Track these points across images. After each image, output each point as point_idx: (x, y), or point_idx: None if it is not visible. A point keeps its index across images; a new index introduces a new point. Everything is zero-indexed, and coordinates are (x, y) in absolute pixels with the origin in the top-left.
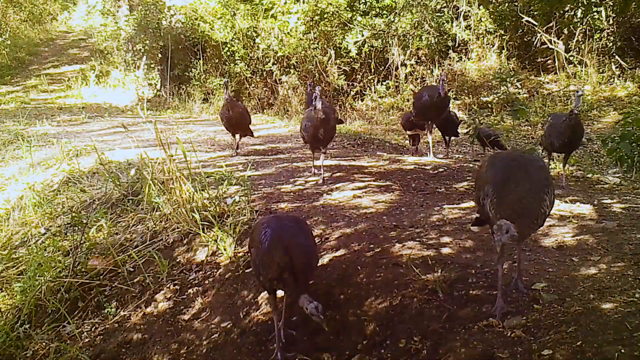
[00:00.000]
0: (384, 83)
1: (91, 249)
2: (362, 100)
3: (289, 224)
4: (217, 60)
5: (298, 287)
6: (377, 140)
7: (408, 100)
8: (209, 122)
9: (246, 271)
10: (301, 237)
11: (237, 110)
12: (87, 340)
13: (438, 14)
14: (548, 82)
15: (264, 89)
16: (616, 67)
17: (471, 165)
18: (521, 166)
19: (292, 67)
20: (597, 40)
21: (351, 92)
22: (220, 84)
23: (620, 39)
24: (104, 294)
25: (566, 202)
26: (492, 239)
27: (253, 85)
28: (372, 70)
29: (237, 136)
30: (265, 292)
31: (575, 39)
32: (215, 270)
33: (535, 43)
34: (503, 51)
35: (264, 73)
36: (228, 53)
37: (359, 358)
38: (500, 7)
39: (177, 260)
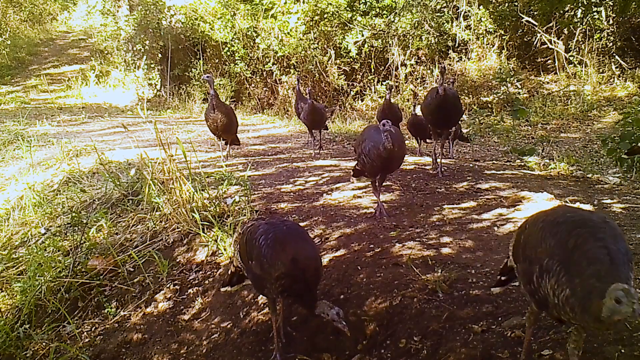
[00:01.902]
0: (384, 83)
1: (91, 249)
2: (362, 100)
3: (285, 229)
4: (217, 60)
5: (311, 295)
6: None
7: (408, 100)
8: None
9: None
10: (302, 242)
11: (223, 110)
12: (87, 340)
13: (438, 14)
14: (548, 82)
15: (264, 89)
16: (616, 67)
17: (471, 165)
18: (591, 233)
19: (292, 67)
20: (597, 40)
21: (351, 92)
22: (219, 84)
23: (620, 39)
24: (104, 294)
25: (566, 202)
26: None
27: (253, 85)
28: (372, 70)
29: (222, 142)
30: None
31: (575, 39)
32: (215, 270)
33: (535, 43)
34: (503, 51)
35: (264, 73)
36: (228, 53)
37: (359, 358)
38: (500, 7)
39: (177, 260)
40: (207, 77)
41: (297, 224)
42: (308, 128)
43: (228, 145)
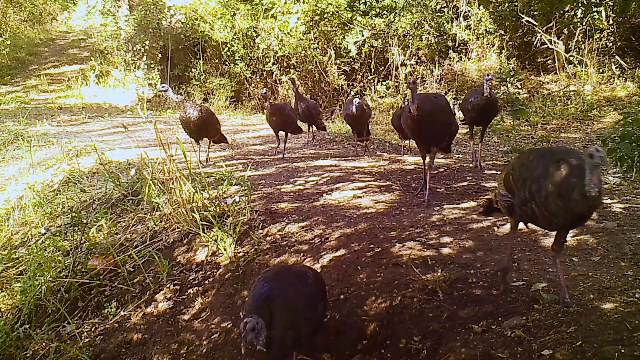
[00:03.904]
0: (384, 83)
1: (91, 249)
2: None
3: (281, 268)
4: (217, 60)
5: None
6: (377, 140)
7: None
8: None
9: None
10: (286, 285)
11: (196, 111)
12: (87, 340)
13: (438, 14)
14: (548, 82)
15: (264, 89)
16: (616, 67)
17: (471, 165)
18: None
19: (292, 67)
20: (597, 40)
21: (351, 92)
22: (220, 84)
23: (620, 39)
24: (104, 294)
25: None
26: None
27: (253, 85)
28: (372, 70)
29: (205, 143)
30: None
31: (575, 39)
32: (215, 270)
33: (535, 43)
34: (503, 51)
35: (264, 73)
36: (228, 53)
37: (359, 358)
38: (500, 7)
39: (177, 260)
40: (163, 87)
41: (306, 269)
42: (274, 130)
43: (208, 148)
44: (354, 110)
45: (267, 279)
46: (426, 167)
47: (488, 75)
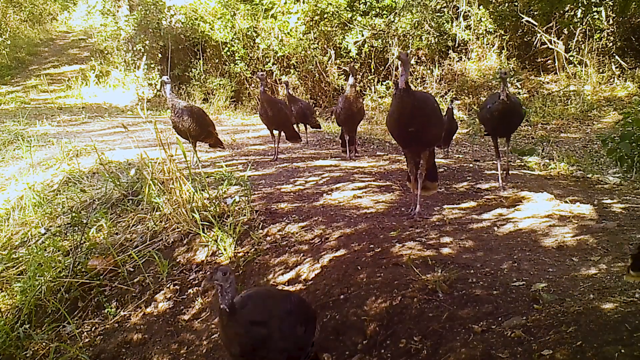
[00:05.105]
0: (384, 83)
1: (91, 249)
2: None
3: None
4: (217, 60)
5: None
6: (377, 140)
7: None
8: None
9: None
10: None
11: (188, 111)
12: (87, 340)
13: (438, 14)
14: (548, 82)
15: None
16: (616, 67)
17: (471, 165)
18: None
19: (292, 67)
20: (597, 40)
21: None
22: (220, 84)
23: (620, 39)
24: (104, 294)
25: (566, 202)
26: None
27: (253, 85)
28: (372, 70)
29: (193, 151)
30: None
31: (575, 39)
32: None
33: (535, 43)
34: (503, 51)
35: (264, 73)
36: (228, 53)
37: (359, 358)
38: (500, 7)
39: (177, 260)
40: (166, 79)
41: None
42: (268, 128)
43: (195, 150)
44: (349, 93)
45: (251, 290)
46: (412, 173)
47: (502, 71)
